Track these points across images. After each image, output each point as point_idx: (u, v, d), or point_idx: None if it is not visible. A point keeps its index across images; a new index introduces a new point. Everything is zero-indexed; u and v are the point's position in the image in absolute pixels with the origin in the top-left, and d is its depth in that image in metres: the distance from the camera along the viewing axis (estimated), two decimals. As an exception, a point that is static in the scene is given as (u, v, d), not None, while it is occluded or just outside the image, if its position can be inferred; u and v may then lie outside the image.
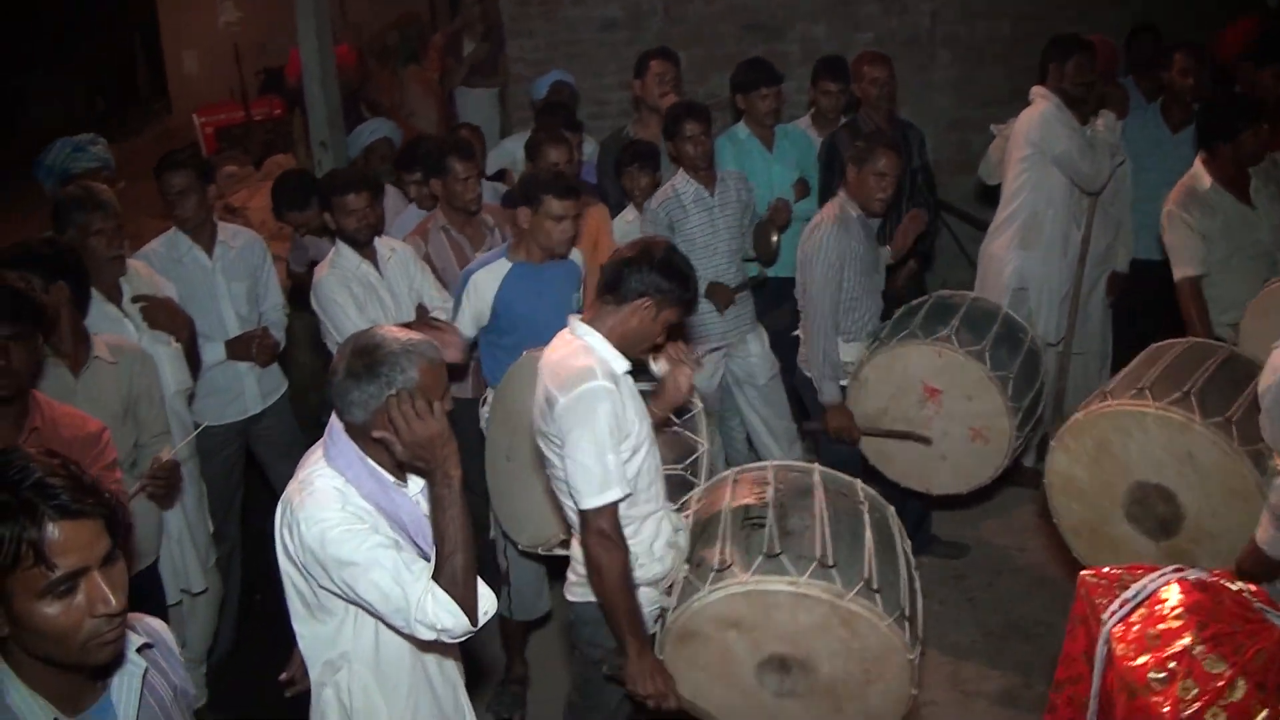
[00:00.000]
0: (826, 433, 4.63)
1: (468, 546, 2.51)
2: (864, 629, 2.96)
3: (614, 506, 2.94)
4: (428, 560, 2.53)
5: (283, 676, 2.82)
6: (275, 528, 2.60)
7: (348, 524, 2.47)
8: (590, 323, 3.08)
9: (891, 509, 3.41)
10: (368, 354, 2.48)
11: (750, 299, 5.24)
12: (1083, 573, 2.73)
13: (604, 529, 2.93)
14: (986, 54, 7.59)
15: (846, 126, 5.56)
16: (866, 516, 3.21)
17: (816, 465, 3.42)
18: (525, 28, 7.72)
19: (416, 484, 2.67)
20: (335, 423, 2.60)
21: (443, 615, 2.44)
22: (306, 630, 2.67)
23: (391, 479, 2.59)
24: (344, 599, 2.55)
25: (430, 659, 2.75)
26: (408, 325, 4.28)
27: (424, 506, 2.62)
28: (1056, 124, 5.17)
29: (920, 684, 3.10)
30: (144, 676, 1.98)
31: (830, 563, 2.97)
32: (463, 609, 2.47)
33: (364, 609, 2.56)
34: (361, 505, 2.53)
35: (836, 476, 3.41)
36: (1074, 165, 5.17)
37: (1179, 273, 4.63)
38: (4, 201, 10.41)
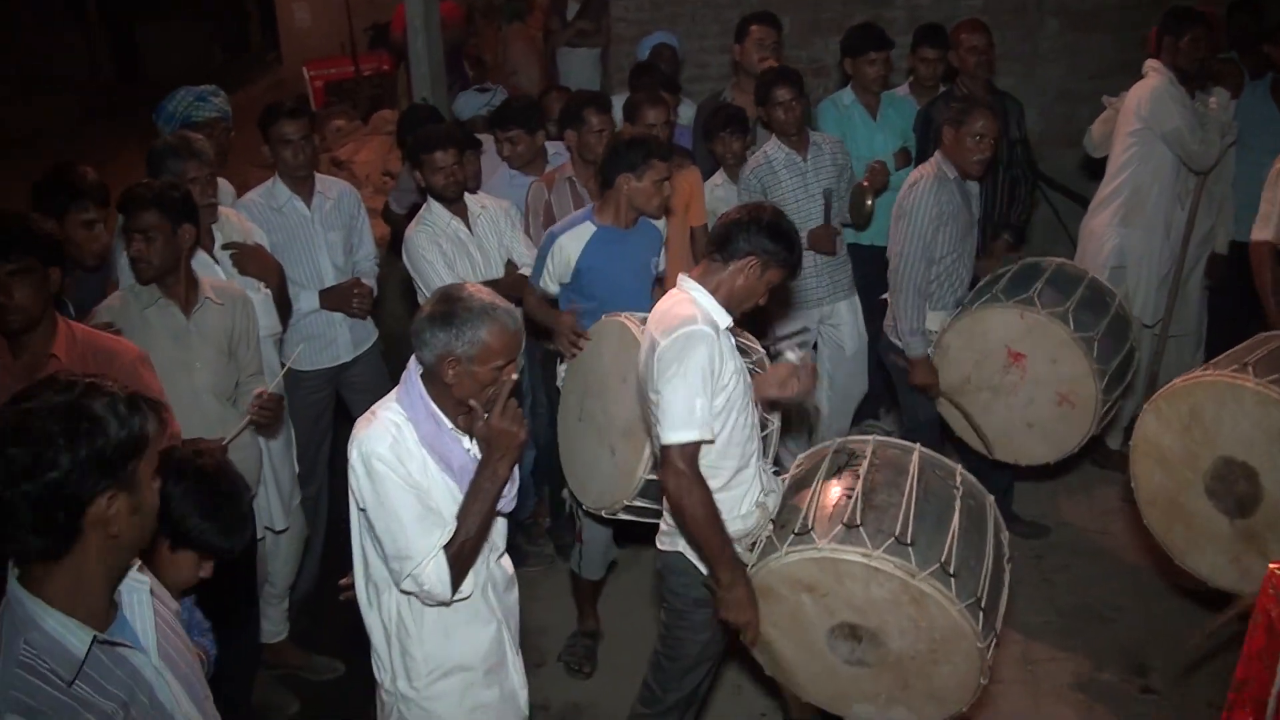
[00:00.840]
0: (911, 382, 4.62)
1: (481, 535, 2.77)
2: (933, 610, 2.97)
3: (693, 447, 3.00)
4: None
5: (343, 581, 3.01)
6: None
7: (392, 466, 2.66)
8: (698, 279, 3.19)
9: (991, 499, 3.42)
10: (450, 303, 2.67)
11: (848, 265, 5.25)
12: (1272, 565, 2.68)
13: (681, 468, 3.00)
14: (1096, 23, 7.36)
15: (944, 96, 5.48)
16: (958, 501, 3.22)
17: (918, 445, 3.44)
18: (629, -13, 7.70)
19: None
20: (412, 363, 2.78)
21: (435, 582, 2.69)
22: (360, 548, 2.85)
23: (450, 424, 2.75)
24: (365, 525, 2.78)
25: (470, 599, 2.87)
26: (496, 282, 4.40)
27: (475, 453, 2.78)
28: (1169, 99, 5.05)
29: (990, 671, 3.10)
30: (150, 593, 2.09)
31: (908, 540, 3.00)
32: (452, 584, 2.72)
33: (365, 527, 2.78)
34: (411, 448, 2.70)
35: (937, 459, 3.42)
36: (1184, 143, 5.05)
37: (1259, 231, 4.57)
38: (121, 146, 10.84)
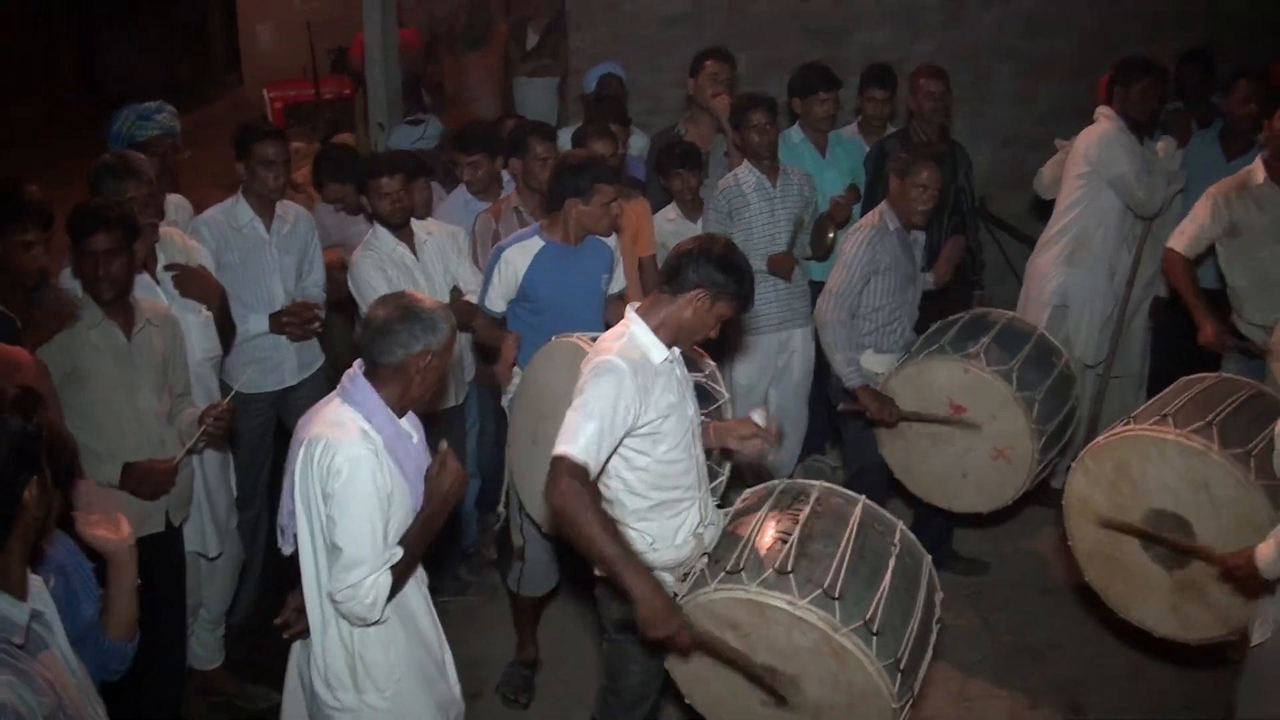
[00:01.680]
0: (864, 417, 4.62)
1: (413, 567, 2.95)
2: (852, 666, 2.98)
3: (575, 466, 2.92)
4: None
5: (277, 621, 3.02)
6: (293, 465, 2.85)
7: (374, 471, 2.78)
8: (643, 312, 3.17)
9: (929, 559, 3.41)
10: (413, 307, 2.85)
11: (808, 295, 5.30)
12: None
13: (560, 480, 2.92)
14: (1046, 70, 7.50)
15: (898, 135, 5.57)
16: (893, 560, 3.22)
17: (862, 498, 3.43)
18: (587, 19, 7.76)
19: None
20: (355, 372, 2.89)
21: (376, 595, 2.78)
22: (314, 565, 2.87)
23: (400, 425, 2.90)
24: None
25: (416, 606, 3.05)
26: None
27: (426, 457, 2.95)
28: (1117, 146, 5.15)
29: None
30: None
31: (836, 594, 3.00)
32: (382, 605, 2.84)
33: (320, 544, 2.83)
34: (382, 453, 2.82)
35: (880, 514, 3.42)
36: (1130, 189, 5.15)
37: (1174, 241, 4.78)
38: (81, 157, 10.66)
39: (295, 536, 2.90)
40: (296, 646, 3.06)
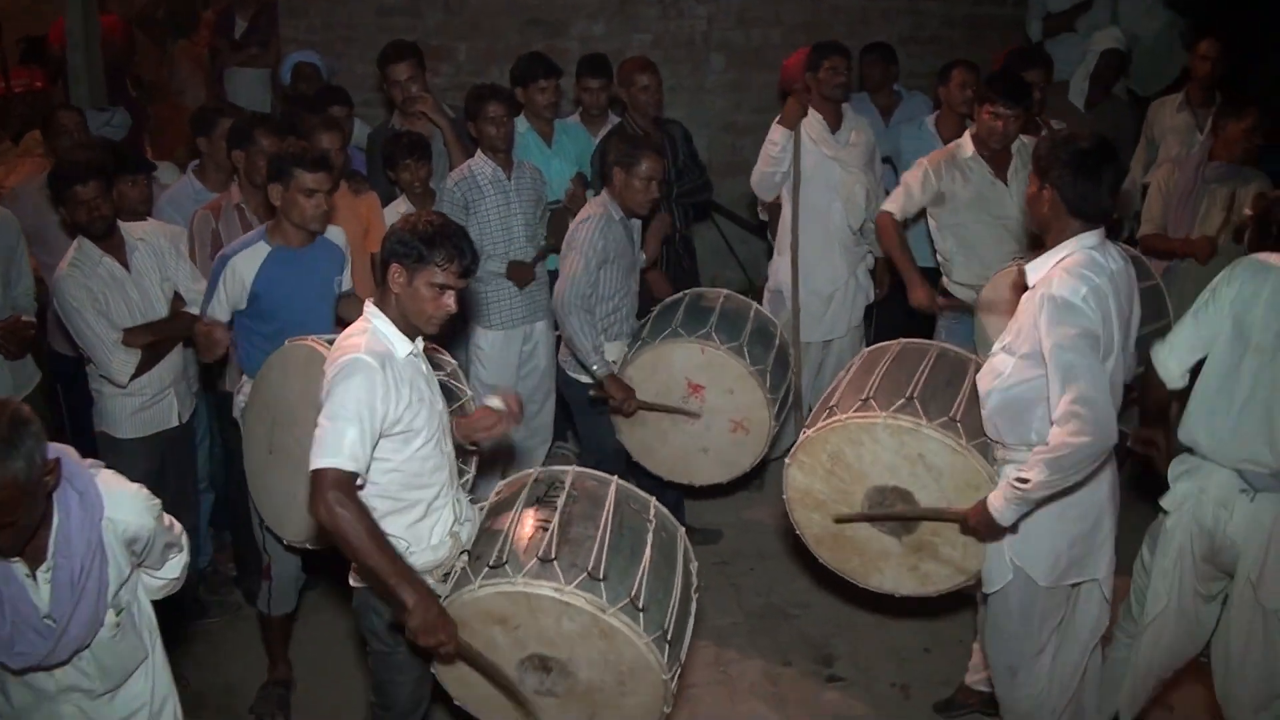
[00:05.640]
0: (606, 404, 4.69)
1: None
2: (621, 643, 3.05)
3: (341, 475, 2.86)
4: None
5: None
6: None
7: None
8: (380, 305, 3.08)
9: (682, 530, 3.51)
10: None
11: (546, 287, 5.32)
12: None
13: (328, 496, 2.84)
14: (758, 61, 7.83)
15: (615, 130, 5.68)
16: (650, 535, 3.30)
17: (615, 478, 3.48)
18: (300, 7, 7.51)
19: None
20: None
21: None
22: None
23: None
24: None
25: None
26: (161, 324, 4.17)
27: (42, 591, 2.65)
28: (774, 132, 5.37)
29: (673, 700, 3.19)
30: None
31: (600, 575, 3.05)
32: None
33: None
34: None
35: (633, 492, 3.49)
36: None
37: (886, 204, 5.08)
38: None
39: None
40: None
